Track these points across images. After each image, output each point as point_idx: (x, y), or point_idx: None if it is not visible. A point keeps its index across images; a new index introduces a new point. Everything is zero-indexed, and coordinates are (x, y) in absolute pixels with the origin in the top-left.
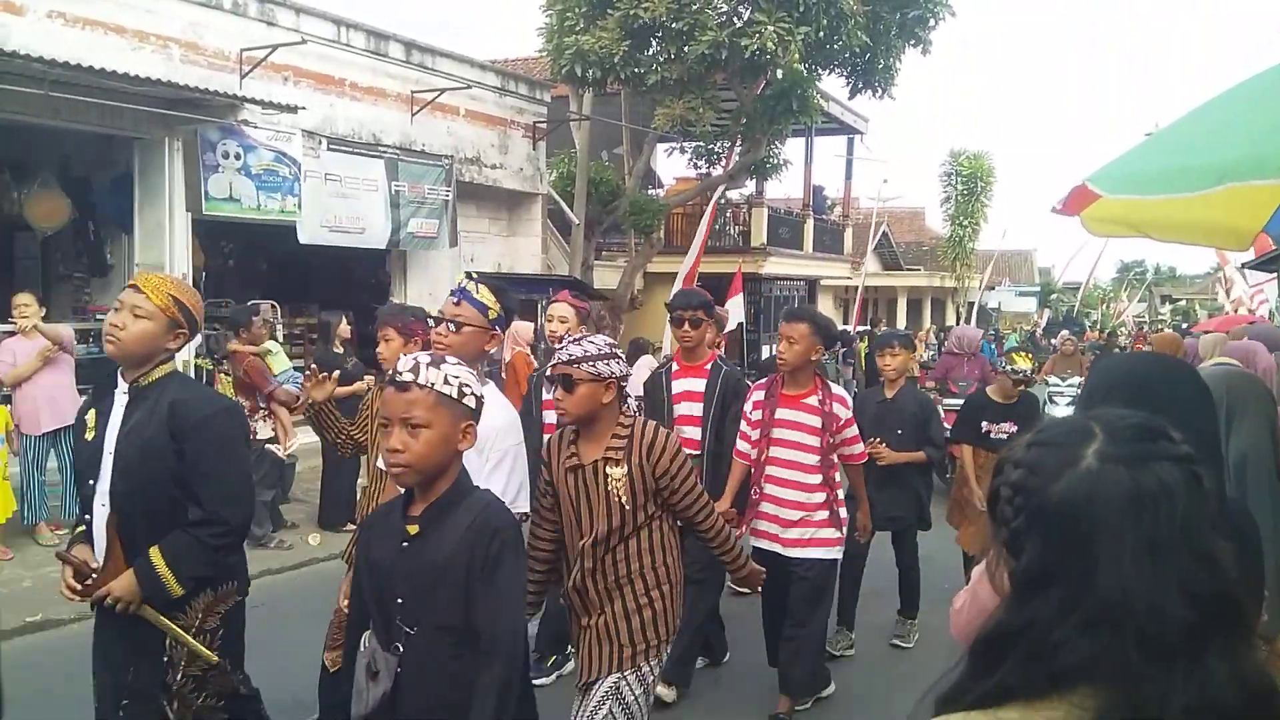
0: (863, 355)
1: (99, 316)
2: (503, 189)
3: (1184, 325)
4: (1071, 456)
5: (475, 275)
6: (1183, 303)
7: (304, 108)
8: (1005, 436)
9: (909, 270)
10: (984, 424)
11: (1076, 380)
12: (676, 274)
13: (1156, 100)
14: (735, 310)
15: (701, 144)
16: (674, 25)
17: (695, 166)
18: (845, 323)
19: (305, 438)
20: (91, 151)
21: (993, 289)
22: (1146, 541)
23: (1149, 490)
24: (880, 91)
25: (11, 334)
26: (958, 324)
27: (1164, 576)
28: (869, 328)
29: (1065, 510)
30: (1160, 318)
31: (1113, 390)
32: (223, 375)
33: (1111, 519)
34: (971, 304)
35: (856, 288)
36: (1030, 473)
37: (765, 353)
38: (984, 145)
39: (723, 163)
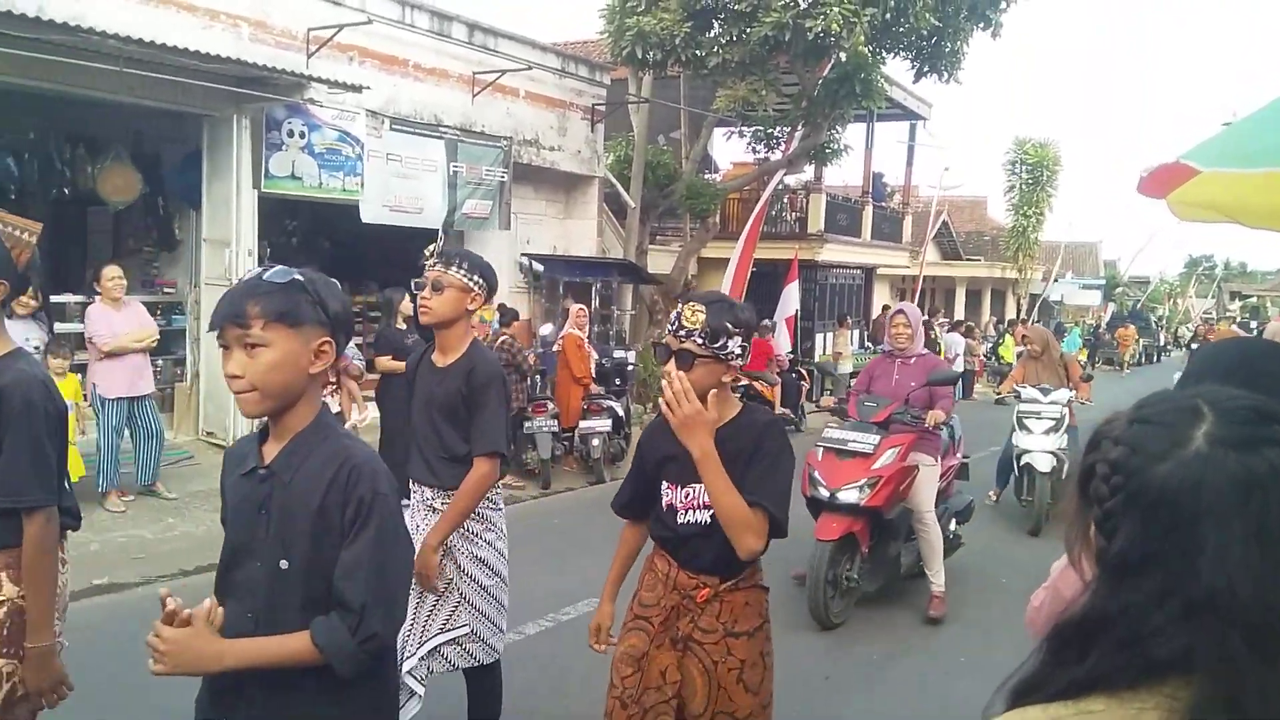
0: None
1: (167, 290)
2: (560, 171)
3: (1252, 323)
4: (1179, 437)
5: (530, 256)
6: (1253, 299)
7: (369, 87)
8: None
9: (969, 260)
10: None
11: (1064, 397)
12: (730, 259)
13: (1230, 90)
14: (791, 298)
15: (761, 128)
16: (737, 7)
17: (753, 151)
18: None
19: (372, 412)
20: (162, 128)
21: (1056, 281)
22: (1255, 530)
23: (1260, 476)
24: (946, 75)
25: (85, 304)
26: (1018, 316)
27: (1272, 567)
28: (927, 318)
29: (1169, 493)
30: (1229, 314)
31: (1220, 372)
32: None
33: (1219, 505)
34: (1034, 295)
35: (914, 277)
36: (1132, 451)
37: (820, 342)
38: (1050, 133)
39: (782, 147)
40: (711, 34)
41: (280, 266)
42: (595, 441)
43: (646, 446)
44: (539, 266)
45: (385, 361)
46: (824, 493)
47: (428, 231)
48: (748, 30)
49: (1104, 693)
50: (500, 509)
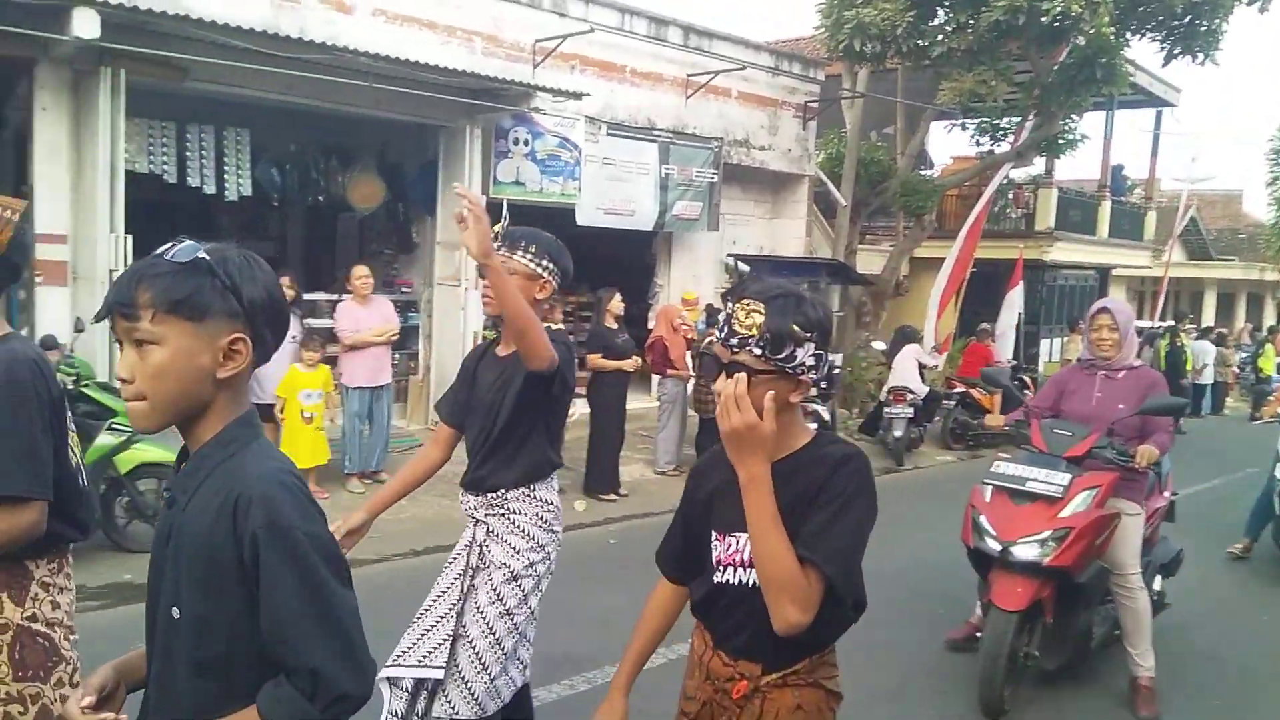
0: (1163, 354)
1: (404, 289)
2: (769, 170)
3: None
4: None
5: (736, 257)
6: None
7: (589, 94)
8: None
9: (1221, 260)
10: None
11: None
12: (945, 259)
13: None
14: (1014, 302)
15: (987, 119)
16: None
17: (977, 144)
18: (1140, 316)
19: (580, 408)
20: (404, 140)
21: None
22: None
23: None
24: (1202, 57)
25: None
26: (1279, 323)
27: None
28: (1174, 323)
29: None
30: None
31: None
32: None
33: None
34: None
35: (1157, 278)
36: None
37: (1046, 349)
38: None
39: (1010, 139)
40: (935, 22)
41: (189, 242)
42: None
43: (696, 478)
44: (745, 267)
45: (596, 359)
46: (994, 546)
47: (640, 233)
48: (976, 16)
49: None
50: (555, 534)
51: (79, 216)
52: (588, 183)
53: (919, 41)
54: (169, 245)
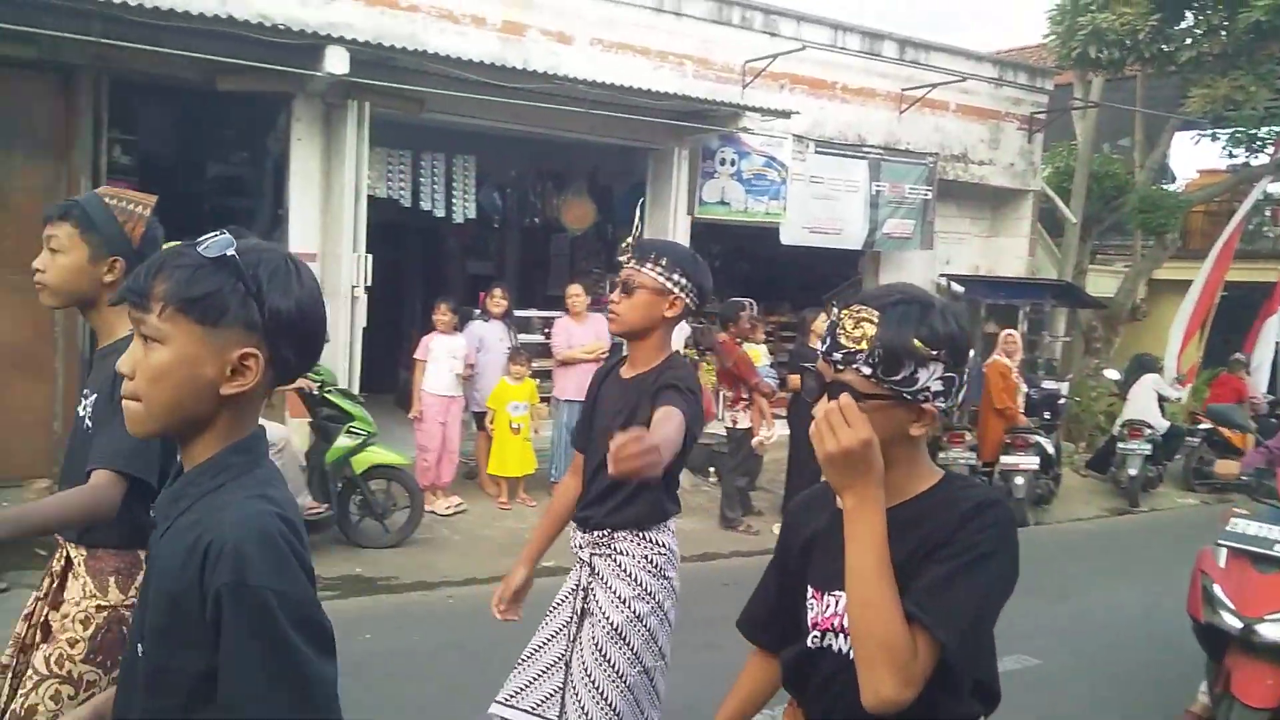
0: None
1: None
2: (989, 186)
3: None
4: None
5: (949, 277)
6: None
7: (797, 112)
8: None
9: None
10: None
11: None
12: (1192, 282)
13: None
14: (1271, 331)
15: (1242, 129)
16: None
17: (1230, 155)
18: None
19: (780, 430)
20: (614, 162)
21: None
22: None
23: None
24: None
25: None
26: None
27: None
28: None
29: None
30: None
31: None
32: (705, 365)
33: None
34: None
35: None
36: None
37: None
38: None
39: (1270, 150)
40: (1183, 25)
41: (224, 235)
42: (1019, 480)
43: (792, 522)
44: (959, 288)
45: (798, 380)
46: (1232, 623)
47: (845, 252)
48: (1232, 17)
49: None
50: (668, 580)
51: (327, 236)
52: (793, 201)
53: (1163, 46)
54: (208, 236)
